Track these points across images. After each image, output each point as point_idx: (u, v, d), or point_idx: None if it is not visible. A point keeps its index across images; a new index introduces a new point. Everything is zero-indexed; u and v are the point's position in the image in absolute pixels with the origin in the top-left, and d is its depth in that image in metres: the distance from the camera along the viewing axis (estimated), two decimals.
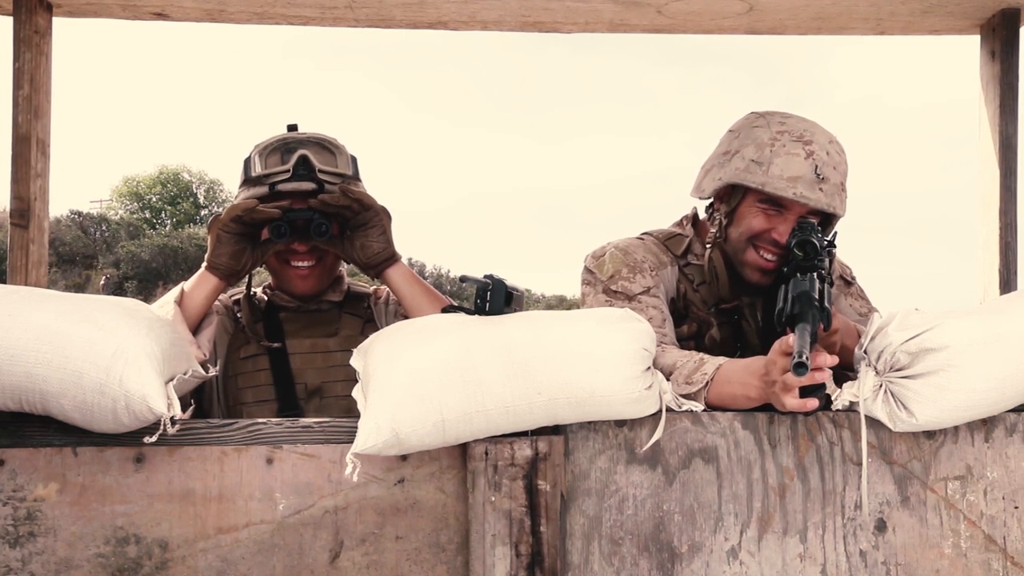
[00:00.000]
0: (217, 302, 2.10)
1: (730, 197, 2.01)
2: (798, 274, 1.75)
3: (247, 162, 2.08)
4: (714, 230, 2.04)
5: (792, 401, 1.57)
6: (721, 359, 1.74)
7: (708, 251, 2.04)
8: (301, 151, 2.01)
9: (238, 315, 2.18)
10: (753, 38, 2.65)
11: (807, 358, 1.49)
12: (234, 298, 2.21)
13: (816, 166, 1.90)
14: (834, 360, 1.59)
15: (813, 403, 1.56)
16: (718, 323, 2.05)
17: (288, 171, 2.00)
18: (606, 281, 1.99)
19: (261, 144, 2.07)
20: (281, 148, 2.04)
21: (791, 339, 1.57)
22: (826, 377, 1.57)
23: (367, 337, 1.72)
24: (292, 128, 2.10)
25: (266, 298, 2.20)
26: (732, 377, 1.68)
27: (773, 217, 1.95)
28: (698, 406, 1.67)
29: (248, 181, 2.06)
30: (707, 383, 1.68)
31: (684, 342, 2.02)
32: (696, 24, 2.54)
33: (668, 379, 1.72)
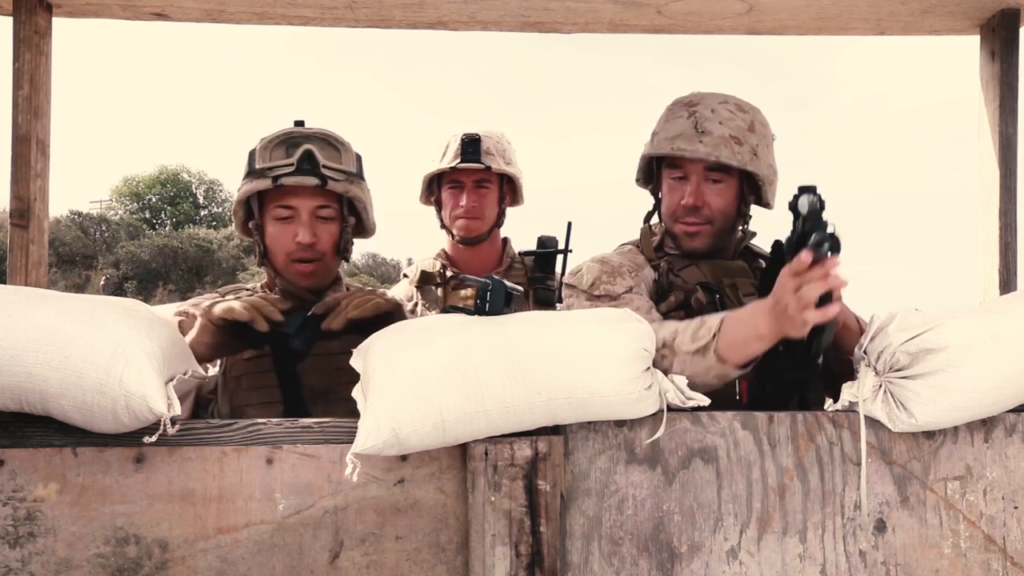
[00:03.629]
0: None
1: (654, 185, 2.14)
2: (804, 194, 1.65)
3: (251, 154, 2.07)
4: (656, 220, 2.15)
5: (813, 314, 1.52)
6: (722, 312, 1.74)
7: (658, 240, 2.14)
8: (306, 146, 2.00)
9: None
10: (757, 37, 2.65)
11: (827, 244, 1.50)
12: None
13: (696, 123, 2.00)
14: (842, 282, 1.54)
15: (835, 309, 1.52)
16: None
17: (292, 164, 1.99)
18: (587, 289, 2.00)
19: (267, 137, 2.06)
20: (286, 142, 2.03)
21: (803, 255, 1.52)
22: (841, 283, 1.53)
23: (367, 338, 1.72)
24: (299, 124, 2.10)
25: None
26: (738, 322, 1.66)
27: (678, 185, 2.05)
28: (704, 400, 1.65)
29: (251, 173, 2.05)
30: (715, 334, 1.67)
31: (672, 314, 2.00)
32: (696, 24, 2.54)
33: (672, 348, 1.71)
